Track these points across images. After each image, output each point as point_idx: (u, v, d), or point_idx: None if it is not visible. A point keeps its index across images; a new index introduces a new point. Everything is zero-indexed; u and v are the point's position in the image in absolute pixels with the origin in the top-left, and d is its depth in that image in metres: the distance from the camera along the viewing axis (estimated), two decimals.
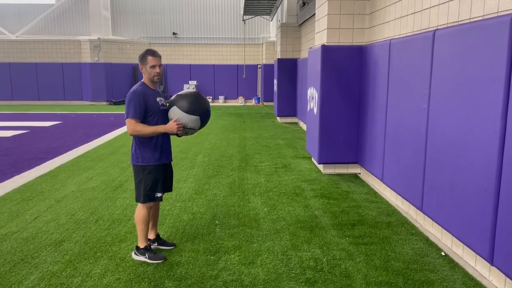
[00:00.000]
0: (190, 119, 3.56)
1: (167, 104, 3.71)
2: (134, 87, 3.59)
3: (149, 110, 3.55)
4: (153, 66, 3.58)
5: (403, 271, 3.53)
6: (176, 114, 3.57)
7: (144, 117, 3.54)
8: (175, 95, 3.71)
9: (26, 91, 21.15)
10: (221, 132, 11.66)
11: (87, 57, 21.04)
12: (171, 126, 3.54)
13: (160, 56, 3.65)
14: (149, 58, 3.57)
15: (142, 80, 3.68)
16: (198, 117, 3.58)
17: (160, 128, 3.54)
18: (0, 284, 3.31)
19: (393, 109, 5.18)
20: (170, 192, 4.11)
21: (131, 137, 3.65)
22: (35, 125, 13.04)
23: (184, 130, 3.63)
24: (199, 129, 3.71)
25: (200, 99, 3.65)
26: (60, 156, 8.23)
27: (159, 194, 3.72)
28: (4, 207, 5.15)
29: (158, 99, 3.65)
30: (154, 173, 3.65)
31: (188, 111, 3.54)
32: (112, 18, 22.76)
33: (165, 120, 3.68)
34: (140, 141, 3.60)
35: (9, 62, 21.03)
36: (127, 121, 3.50)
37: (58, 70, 21.16)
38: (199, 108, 3.59)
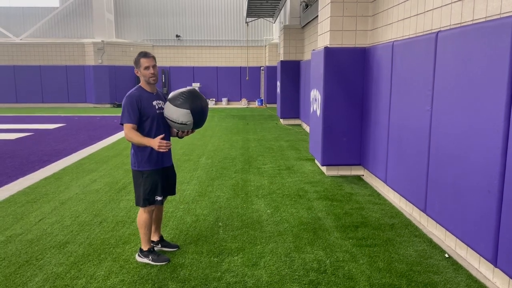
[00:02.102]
0: (181, 113, 3.46)
1: None
2: (130, 91, 3.57)
3: (144, 115, 3.50)
4: (147, 68, 3.54)
5: (406, 273, 3.53)
6: (168, 108, 3.51)
7: (140, 122, 3.51)
8: (171, 92, 3.66)
9: (30, 94, 21.27)
10: (224, 134, 11.68)
11: (90, 60, 21.14)
12: (154, 142, 3.36)
13: (153, 57, 3.60)
14: (142, 60, 3.55)
15: (139, 84, 3.65)
16: (188, 111, 3.46)
17: (145, 141, 3.42)
18: (5, 285, 3.33)
19: (396, 111, 5.18)
20: (174, 195, 4.11)
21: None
22: (39, 127, 13.11)
23: (176, 126, 3.55)
24: (195, 127, 3.61)
25: (193, 95, 3.56)
26: (64, 159, 8.27)
27: (159, 198, 3.68)
28: (9, 209, 5.18)
29: (155, 102, 3.59)
30: (152, 177, 3.62)
31: (177, 105, 3.46)
32: (115, 21, 22.86)
33: (163, 124, 3.63)
34: (137, 145, 3.56)
35: (13, 65, 21.16)
36: (123, 126, 3.49)
37: (62, 73, 21.28)
38: (190, 102, 3.48)
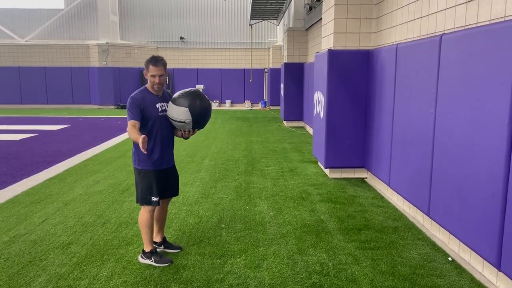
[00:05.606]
0: (180, 111, 3.50)
1: None
2: (134, 92, 3.61)
3: (145, 116, 3.54)
4: (153, 76, 3.56)
5: (409, 276, 3.51)
6: (169, 107, 3.61)
7: (142, 122, 3.54)
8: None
9: (35, 95, 21.36)
10: (227, 136, 11.68)
11: (95, 61, 21.22)
12: (139, 139, 3.21)
13: (163, 65, 3.57)
14: (150, 67, 3.55)
15: (145, 85, 3.70)
16: (186, 109, 3.50)
17: (137, 138, 3.31)
18: (9, 286, 3.34)
19: (400, 114, 5.17)
20: (177, 196, 4.13)
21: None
22: (43, 128, 13.17)
23: (177, 125, 3.60)
24: (196, 126, 3.63)
25: (193, 94, 3.60)
26: (68, 160, 8.30)
27: (155, 199, 3.67)
28: (13, 209, 5.21)
29: (158, 105, 3.62)
30: (149, 177, 3.64)
31: (177, 103, 3.52)
32: (120, 23, 22.96)
33: (166, 125, 3.67)
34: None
35: (19, 66, 21.27)
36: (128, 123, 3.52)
37: (66, 74, 21.35)
38: (189, 101, 3.51)
